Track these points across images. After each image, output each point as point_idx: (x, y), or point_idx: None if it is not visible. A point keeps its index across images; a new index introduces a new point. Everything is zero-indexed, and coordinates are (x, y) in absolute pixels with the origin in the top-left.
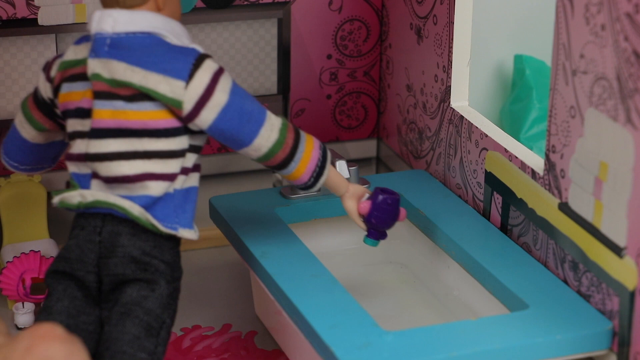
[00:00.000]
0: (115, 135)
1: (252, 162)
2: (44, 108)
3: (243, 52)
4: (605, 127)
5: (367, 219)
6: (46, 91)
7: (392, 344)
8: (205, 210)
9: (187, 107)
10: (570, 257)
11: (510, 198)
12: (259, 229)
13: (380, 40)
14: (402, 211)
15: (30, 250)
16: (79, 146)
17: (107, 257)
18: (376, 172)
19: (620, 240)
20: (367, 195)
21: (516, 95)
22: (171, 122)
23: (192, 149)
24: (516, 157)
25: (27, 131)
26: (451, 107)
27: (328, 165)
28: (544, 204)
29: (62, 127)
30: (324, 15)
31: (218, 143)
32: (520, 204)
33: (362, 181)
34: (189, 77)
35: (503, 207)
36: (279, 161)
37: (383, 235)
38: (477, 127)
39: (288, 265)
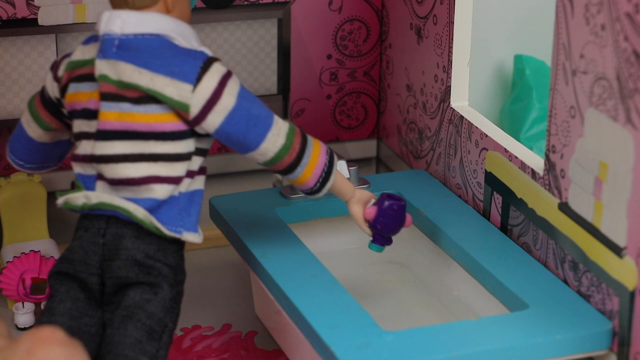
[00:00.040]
0: (121, 138)
1: (252, 162)
2: (50, 107)
3: (243, 52)
4: (605, 127)
5: (372, 224)
6: (53, 91)
7: (392, 344)
8: (205, 210)
9: (194, 110)
10: (570, 257)
11: (510, 198)
12: (259, 229)
13: (380, 40)
14: (408, 217)
15: (30, 250)
16: (84, 147)
17: (111, 259)
18: (376, 172)
19: (620, 240)
20: (373, 200)
21: (516, 95)
22: (177, 125)
23: (198, 152)
24: (516, 157)
25: (33, 130)
26: (451, 107)
27: (334, 171)
28: (544, 204)
29: (69, 127)
30: (324, 15)
31: (218, 143)
32: (520, 204)
33: (362, 181)
34: (196, 81)
35: (503, 207)
36: (285, 166)
37: (388, 241)
38: (477, 127)
39: (288, 265)
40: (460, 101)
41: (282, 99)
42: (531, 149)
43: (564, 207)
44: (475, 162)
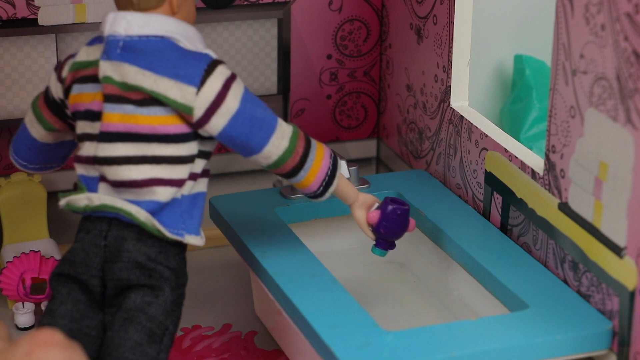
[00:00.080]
0: (124, 140)
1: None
2: (54, 108)
3: (243, 52)
4: (605, 127)
5: (375, 228)
6: (57, 91)
7: (392, 344)
8: (205, 210)
9: (198, 113)
10: (570, 257)
11: (510, 198)
12: (259, 229)
13: (380, 40)
14: (412, 222)
15: (30, 250)
16: (87, 149)
17: (112, 261)
18: (376, 172)
19: (620, 240)
20: (376, 204)
21: (516, 95)
22: (181, 127)
23: (202, 154)
24: (516, 157)
25: (36, 130)
26: (451, 107)
27: (338, 175)
28: (544, 204)
29: (72, 128)
30: (324, 15)
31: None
32: (520, 204)
33: (362, 181)
34: (200, 83)
35: (503, 207)
36: (288, 169)
37: (391, 246)
38: (477, 127)
39: (288, 265)
40: (460, 101)
41: (282, 99)
42: (531, 149)
43: (564, 207)
44: (475, 162)
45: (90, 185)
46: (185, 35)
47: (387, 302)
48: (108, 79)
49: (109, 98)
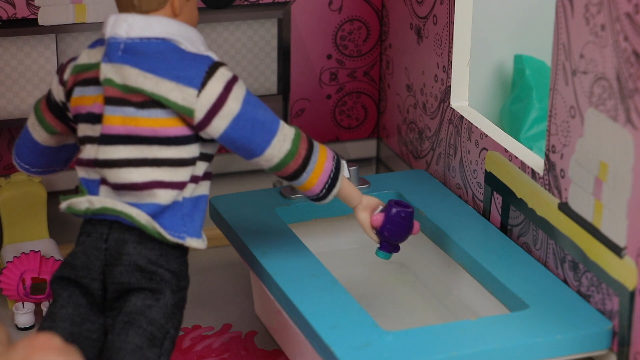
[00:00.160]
0: (125, 142)
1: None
2: (56, 111)
3: (243, 52)
4: (605, 127)
5: (379, 231)
6: (59, 94)
7: (392, 344)
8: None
9: (199, 115)
10: (570, 257)
11: (510, 198)
12: (259, 229)
13: (380, 40)
14: (416, 225)
15: (30, 250)
16: (88, 151)
17: (113, 264)
18: (376, 172)
19: (620, 240)
20: (380, 207)
21: (516, 95)
22: (182, 130)
23: (203, 157)
24: (516, 157)
25: (38, 133)
26: (451, 107)
27: (341, 177)
28: (544, 204)
29: (74, 131)
30: (324, 15)
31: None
32: (520, 204)
33: (362, 181)
34: (201, 86)
35: (503, 207)
36: (290, 172)
37: (396, 249)
38: (477, 127)
39: (288, 265)
40: (460, 101)
41: (282, 99)
42: (531, 149)
43: (564, 207)
44: (475, 162)
45: (91, 188)
46: (187, 37)
47: (387, 302)
48: (109, 82)
49: (109, 100)
